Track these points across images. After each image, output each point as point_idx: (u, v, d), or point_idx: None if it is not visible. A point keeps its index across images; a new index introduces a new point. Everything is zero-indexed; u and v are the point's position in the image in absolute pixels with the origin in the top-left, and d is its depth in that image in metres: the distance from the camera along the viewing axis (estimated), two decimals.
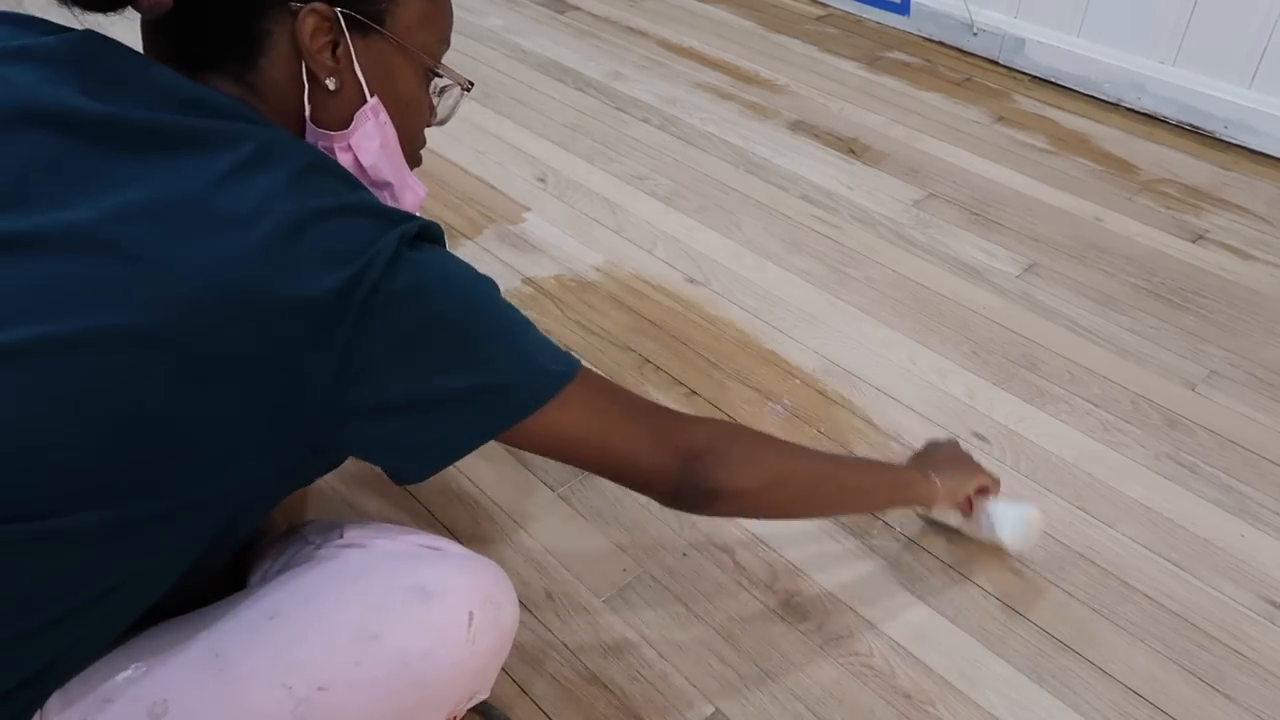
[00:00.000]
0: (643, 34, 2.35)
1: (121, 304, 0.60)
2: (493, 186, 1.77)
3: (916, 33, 2.37)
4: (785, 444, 0.95)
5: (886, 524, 1.16)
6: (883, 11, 2.42)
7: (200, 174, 0.63)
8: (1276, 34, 1.83)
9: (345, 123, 0.75)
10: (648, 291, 1.52)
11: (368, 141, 0.76)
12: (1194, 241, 1.67)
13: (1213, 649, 1.04)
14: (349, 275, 0.62)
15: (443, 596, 0.76)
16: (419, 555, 0.81)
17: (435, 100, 0.83)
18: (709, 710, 0.97)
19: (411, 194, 0.83)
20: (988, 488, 1.10)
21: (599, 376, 0.79)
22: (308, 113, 0.73)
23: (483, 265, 1.60)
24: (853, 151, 1.90)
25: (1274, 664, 1.03)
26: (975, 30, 2.24)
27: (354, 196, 0.68)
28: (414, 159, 0.84)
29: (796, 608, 1.07)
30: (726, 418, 1.29)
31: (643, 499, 1.17)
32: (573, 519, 1.15)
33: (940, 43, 2.33)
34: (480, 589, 0.79)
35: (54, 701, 0.69)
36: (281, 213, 0.63)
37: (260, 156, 0.65)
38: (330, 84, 0.73)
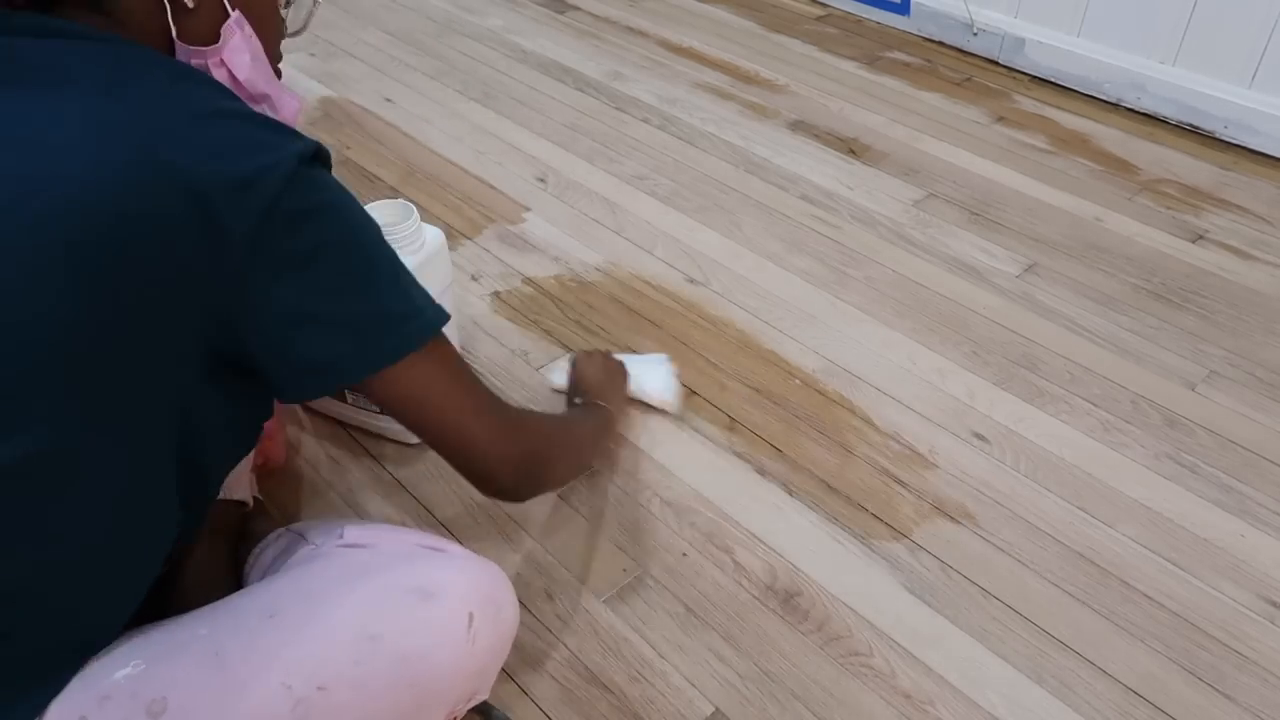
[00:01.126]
0: (643, 34, 2.35)
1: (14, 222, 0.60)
2: (493, 186, 1.77)
3: (916, 33, 2.37)
4: (564, 434, 1.02)
5: (887, 524, 1.16)
6: (883, 11, 2.42)
7: (80, 89, 0.63)
8: (1276, 34, 1.83)
9: (213, 39, 0.76)
10: (648, 291, 1.52)
11: (238, 55, 0.77)
12: (1194, 241, 1.67)
13: (1213, 649, 1.04)
14: (247, 174, 0.63)
15: (443, 597, 0.76)
16: (420, 556, 0.81)
17: (284, 13, 0.84)
18: (709, 710, 0.97)
19: (289, 103, 0.83)
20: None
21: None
22: (174, 33, 0.74)
23: (483, 265, 1.62)
24: (853, 151, 1.90)
25: (1274, 664, 1.03)
26: (975, 30, 2.24)
27: (240, 105, 0.69)
28: (276, 74, 0.85)
29: (796, 608, 1.07)
30: (726, 418, 1.29)
31: (642, 498, 1.18)
32: (573, 519, 1.15)
33: (940, 43, 2.33)
34: (480, 590, 0.79)
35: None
36: (168, 115, 0.64)
37: (131, 69, 0.66)
38: (189, 2, 0.73)
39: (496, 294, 1.51)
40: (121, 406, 0.66)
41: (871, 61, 2.25)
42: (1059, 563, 1.12)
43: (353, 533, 0.84)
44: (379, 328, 0.72)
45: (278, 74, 0.85)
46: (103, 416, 0.65)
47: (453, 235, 1.62)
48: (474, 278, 1.54)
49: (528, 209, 1.70)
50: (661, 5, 2.51)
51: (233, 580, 0.99)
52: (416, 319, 0.74)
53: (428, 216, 1.62)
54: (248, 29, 0.77)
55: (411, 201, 1.14)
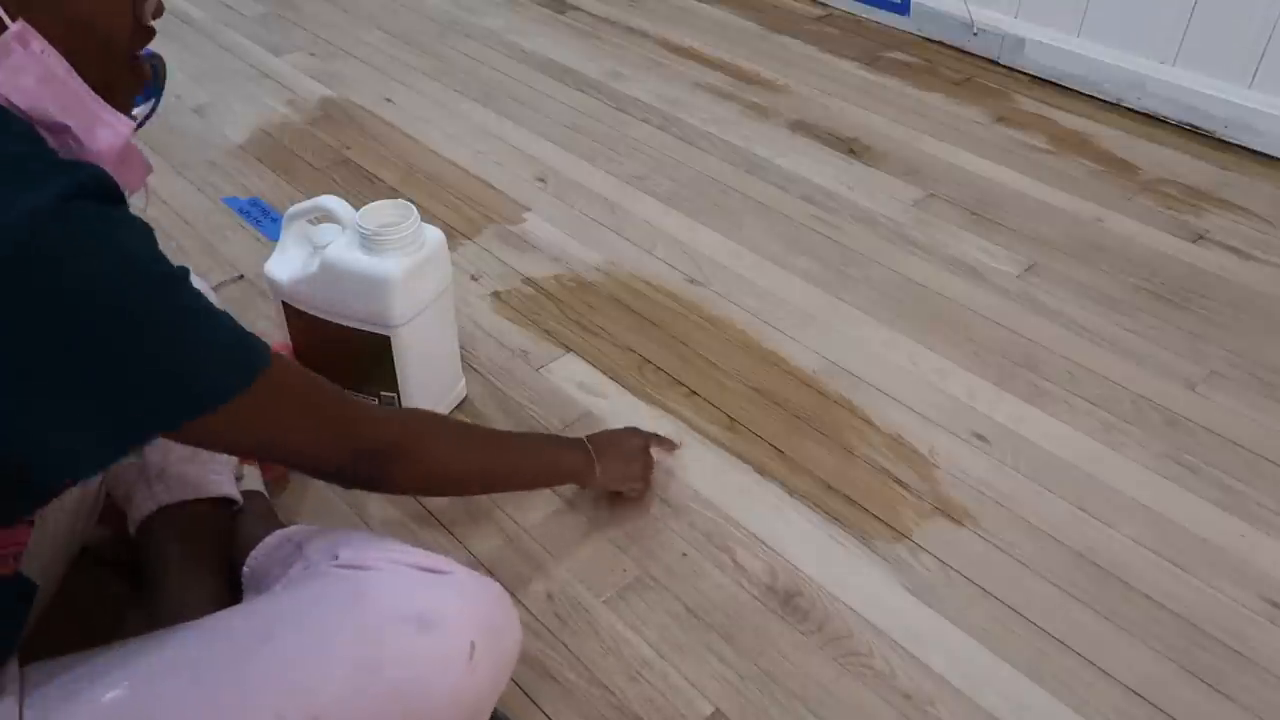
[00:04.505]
0: (643, 34, 2.35)
1: None
2: (493, 186, 1.77)
3: (916, 33, 2.37)
4: (465, 438, 0.96)
5: (887, 525, 1.16)
6: (883, 11, 2.42)
7: None
8: (1276, 34, 1.83)
9: None
10: (648, 291, 1.52)
11: (19, 78, 0.61)
12: (1194, 242, 1.67)
13: (1213, 649, 1.04)
14: None
15: (443, 627, 0.74)
16: (419, 580, 0.78)
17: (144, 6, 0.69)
18: (709, 710, 0.97)
19: (108, 133, 0.67)
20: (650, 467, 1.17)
21: (285, 368, 0.71)
22: None
23: (483, 265, 1.62)
24: (853, 151, 1.89)
25: (1274, 664, 1.03)
26: (975, 30, 2.24)
27: None
28: (122, 89, 0.70)
29: (796, 608, 1.07)
30: (726, 418, 1.29)
31: (642, 498, 1.18)
32: (573, 519, 1.15)
33: (940, 43, 2.33)
34: (481, 617, 0.77)
35: (31, 715, 0.68)
36: None
37: None
38: None
39: (496, 294, 1.50)
40: None
41: (871, 61, 2.25)
42: (1059, 563, 1.12)
43: (348, 553, 0.82)
44: (144, 398, 0.61)
45: (132, 89, 0.71)
46: None
47: (453, 235, 1.61)
48: (474, 278, 1.54)
49: (528, 209, 1.70)
50: (661, 5, 2.51)
51: (219, 583, 0.98)
52: (197, 385, 0.63)
53: (428, 216, 1.62)
54: (36, 44, 0.62)
55: (411, 201, 1.14)
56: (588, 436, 1.09)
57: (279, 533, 0.96)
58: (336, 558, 0.81)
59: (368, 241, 1.09)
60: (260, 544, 0.96)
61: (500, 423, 1.28)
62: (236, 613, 0.77)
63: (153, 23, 0.70)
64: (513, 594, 1.07)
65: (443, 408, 1.27)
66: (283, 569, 0.88)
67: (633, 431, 1.17)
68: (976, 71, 2.21)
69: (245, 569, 0.96)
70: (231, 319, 0.67)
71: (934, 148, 1.91)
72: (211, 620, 0.76)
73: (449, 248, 1.18)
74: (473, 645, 0.74)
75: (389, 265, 1.09)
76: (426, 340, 1.18)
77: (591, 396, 1.32)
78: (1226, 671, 1.02)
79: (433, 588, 0.78)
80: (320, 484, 1.18)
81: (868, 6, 2.45)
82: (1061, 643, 1.04)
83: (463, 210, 1.70)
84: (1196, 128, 1.97)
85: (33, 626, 0.87)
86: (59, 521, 0.89)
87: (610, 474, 1.09)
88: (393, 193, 1.73)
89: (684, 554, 1.12)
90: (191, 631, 0.75)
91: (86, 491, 0.94)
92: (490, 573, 1.09)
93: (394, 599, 0.76)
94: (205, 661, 0.72)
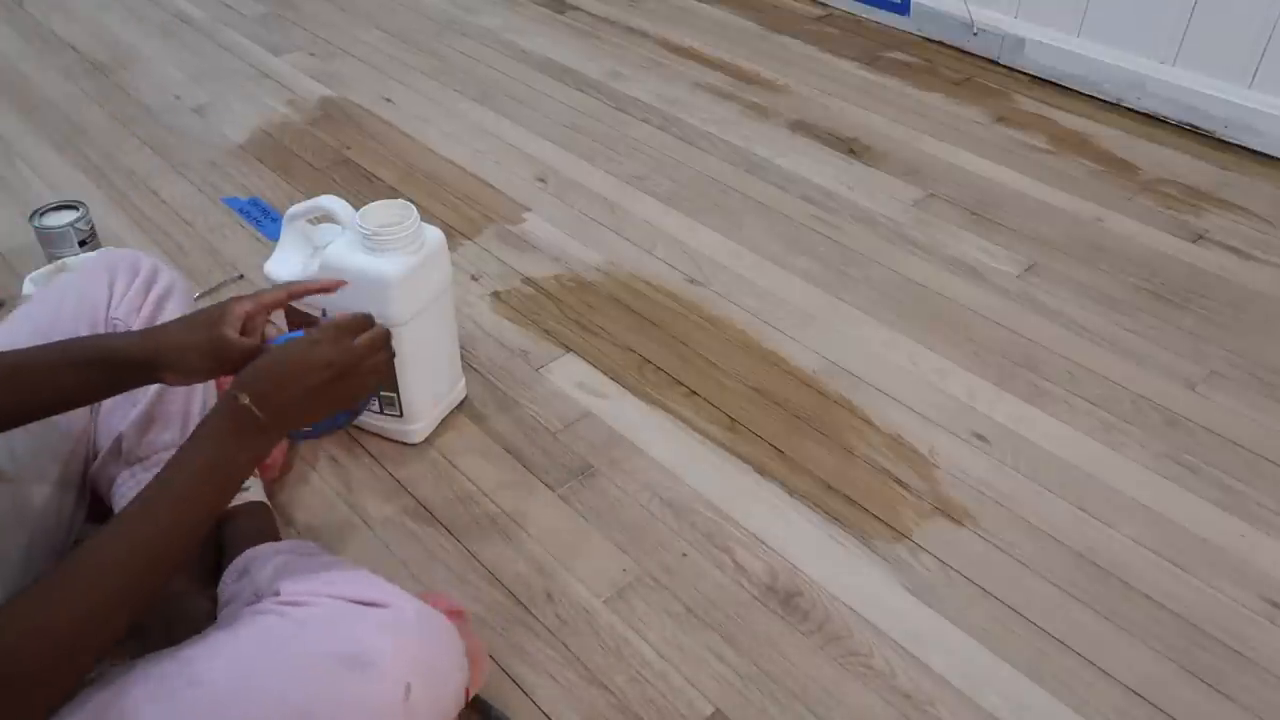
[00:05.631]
0: (643, 34, 2.35)
1: None
2: (492, 186, 1.77)
3: (916, 33, 2.37)
4: (53, 608, 0.64)
5: (887, 524, 1.16)
6: (883, 11, 2.42)
7: None
8: (1276, 34, 1.83)
9: None
10: (648, 291, 1.52)
11: None
12: (1194, 241, 1.67)
13: (1213, 649, 1.04)
14: None
15: (379, 668, 0.71)
16: (354, 616, 0.75)
17: None
18: (709, 710, 0.97)
19: None
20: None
21: None
22: None
23: (483, 265, 1.62)
24: (853, 151, 1.89)
25: (1274, 664, 1.03)
26: (975, 30, 2.24)
27: None
28: None
29: (796, 608, 1.07)
30: (726, 418, 1.29)
31: (642, 498, 1.18)
32: (573, 519, 1.15)
33: (940, 43, 2.33)
34: (420, 657, 0.74)
35: None
36: None
37: None
38: None
39: (496, 294, 1.50)
40: None
41: (871, 61, 2.25)
42: (1059, 563, 1.12)
43: (289, 585, 0.78)
44: None
45: None
46: None
47: (452, 235, 1.61)
48: (474, 278, 1.54)
49: (527, 209, 1.70)
50: (661, 5, 2.51)
51: (210, 592, 0.97)
52: None
53: (427, 216, 1.62)
54: None
55: (411, 201, 1.14)
56: (235, 398, 0.71)
57: (245, 554, 0.94)
58: (279, 593, 0.78)
59: (368, 241, 1.09)
60: (230, 564, 0.95)
61: (500, 422, 1.28)
62: (169, 659, 0.73)
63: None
64: (513, 594, 1.07)
65: (442, 408, 1.27)
66: (235, 598, 0.87)
67: (298, 351, 0.75)
68: (976, 71, 2.21)
69: (219, 589, 0.95)
70: None
71: (934, 148, 1.91)
72: (142, 667, 0.73)
73: (449, 248, 1.18)
74: (408, 687, 0.71)
75: (389, 265, 1.09)
76: (426, 340, 1.18)
77: (591, 396, 1.32)
78: (1226, 671, 1.02)
79: (369, 625, 0.74)
80: (317, 482, 1.18)
81: (868, 6, 2.45)
82: (1061, 643, 1.04)
83: (462, 210, 1.70)
84: (1196, 128, 1.97)
85: None
86: (34, 539, 0.88)
87: (288, 420, 0.75)
88: (392, 192, 1.73)
89: (684, 554, 1.12)
90: (124, 677, 0.71)
91: (64, 502, 0.93)
92: (490, 572, 1.09)
93: (325, 638, 0.72)
94: (136, 711, 0.68)
